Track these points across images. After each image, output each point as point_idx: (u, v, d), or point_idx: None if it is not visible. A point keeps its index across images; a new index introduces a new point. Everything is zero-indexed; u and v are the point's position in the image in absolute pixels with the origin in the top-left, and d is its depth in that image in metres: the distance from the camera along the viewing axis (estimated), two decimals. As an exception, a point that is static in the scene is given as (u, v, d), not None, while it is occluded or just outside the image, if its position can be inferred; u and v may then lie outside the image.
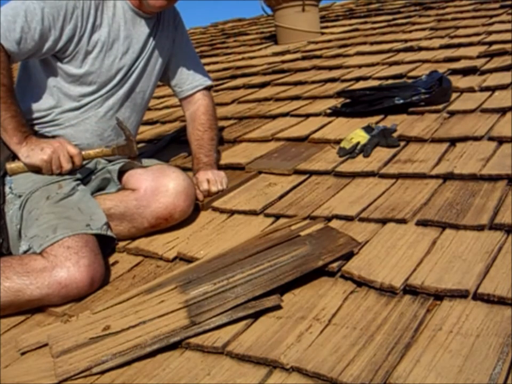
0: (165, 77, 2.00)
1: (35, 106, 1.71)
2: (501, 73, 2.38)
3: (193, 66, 2.01)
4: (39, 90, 1.71)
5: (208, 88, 2.05)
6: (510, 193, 1.45)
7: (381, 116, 2.22)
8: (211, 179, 1.83)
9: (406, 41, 3.36)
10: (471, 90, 2.27)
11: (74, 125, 1.74)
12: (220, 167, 1.98)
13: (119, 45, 1.74)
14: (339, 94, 2.50)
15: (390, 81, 2.59)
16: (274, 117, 2.53)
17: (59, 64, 1.67)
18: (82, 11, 1.62)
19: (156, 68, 1.88)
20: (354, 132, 2.00)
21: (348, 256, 1.30)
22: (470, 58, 2.68)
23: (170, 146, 2.48)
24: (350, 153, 1.90)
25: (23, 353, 1.23)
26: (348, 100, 2.38)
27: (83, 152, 1.67)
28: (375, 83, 2.62)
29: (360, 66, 3.04)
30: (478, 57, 2.67)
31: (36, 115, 1.71)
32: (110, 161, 1.78)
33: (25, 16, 1.52)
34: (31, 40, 1.55)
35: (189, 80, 2.00)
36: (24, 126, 1.58)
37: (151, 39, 1.83)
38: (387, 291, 1.17)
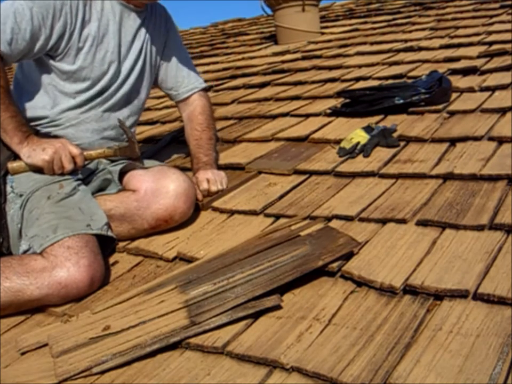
0: (160, 81, 2.00)
1: (32, 105, 1.71)
2: (501, 73, 2.38)
3: (187, 69, 2.02)
4: (35, 89, 1.71)
5: (204, 90, 2.06)
6: (510, 193, 1.44)
7: (381, 116, 2.22)
8: (211, 179, 1.83)
9: (406, 41, 3.36)
10: (471, 90, 2.27)
11: (75, 124, 1.74)
12: (219, 167, 1.98)
13: (109, 38, 1.74)
14: (339, 94, 2.50)
15: (390, 81, 2.59)
16: (274, 117, 2.53)
17: (52, 62, 1.68)
18: (70, 8, 1.63)
19: (148, 63, 1.87)
20: (354, 132, 2.00)
21: (348, 256, 1.30)
22: (470, 58, 2.68)
23: (170, 146, 2.48)
24: (350, 153, 1.90)
25: (23, 353, 1.23)
26: (347, 100, 2.38)
27: (85, 153, 1.67)
28: (375, 83, 2.62)
29: (360, 66, 3.04)
30: (478, 57, 2.67)
31: (34, 115, 1.71)
32: (111, 161, 1.78)
33: (14, 18, 1.53)
34: (22, 41, 1.55)
35: (184, 83, 2.01)
36: (24, 125, 1.59)
37: (142, 32, 1.83)
38: (387, 291, 1.17)
